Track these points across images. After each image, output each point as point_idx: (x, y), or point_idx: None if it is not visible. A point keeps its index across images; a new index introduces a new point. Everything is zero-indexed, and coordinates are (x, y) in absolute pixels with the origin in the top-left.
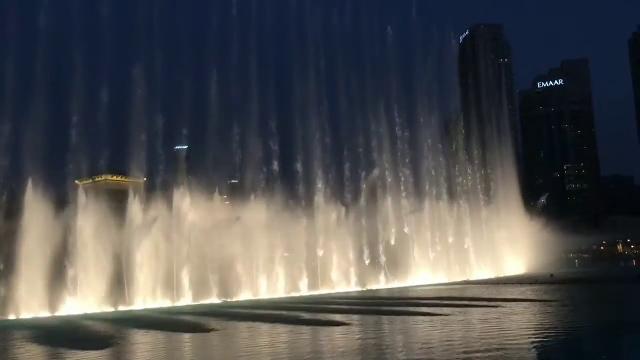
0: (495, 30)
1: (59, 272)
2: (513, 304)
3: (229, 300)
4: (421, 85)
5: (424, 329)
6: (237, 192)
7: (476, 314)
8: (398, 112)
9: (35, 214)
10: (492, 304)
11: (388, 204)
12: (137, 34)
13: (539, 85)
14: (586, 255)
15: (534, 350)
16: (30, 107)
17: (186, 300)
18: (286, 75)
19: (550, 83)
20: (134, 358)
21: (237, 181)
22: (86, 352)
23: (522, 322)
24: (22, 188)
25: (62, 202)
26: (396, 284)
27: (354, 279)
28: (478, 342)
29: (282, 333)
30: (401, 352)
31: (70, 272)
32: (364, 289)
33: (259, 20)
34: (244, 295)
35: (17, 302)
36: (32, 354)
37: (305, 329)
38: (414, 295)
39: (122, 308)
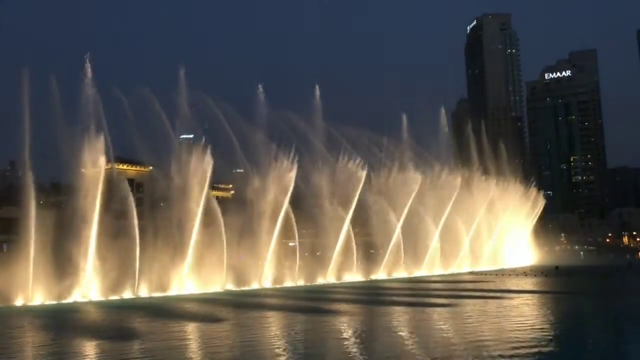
0: (503, 19)
1: (65, 260)
2: (517, 294)
3: (235, 289)
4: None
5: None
6: (243, 182)
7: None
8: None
9: (40, 201)
10: (497, 294)
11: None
12: (142, 28)
13: (546, 76)
14: (592, 247)
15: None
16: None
17: (190, 289)
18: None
19: (558, 74)
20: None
21: (242, 170)
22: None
23: (524, 314)
24: (25, 175)
25: (67, 189)
26: (398, 274)
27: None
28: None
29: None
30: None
31: (76, 260)
32: (367, 279)
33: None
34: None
35: (24, 289)
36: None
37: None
38: (418, 286)
39: (127, 296)
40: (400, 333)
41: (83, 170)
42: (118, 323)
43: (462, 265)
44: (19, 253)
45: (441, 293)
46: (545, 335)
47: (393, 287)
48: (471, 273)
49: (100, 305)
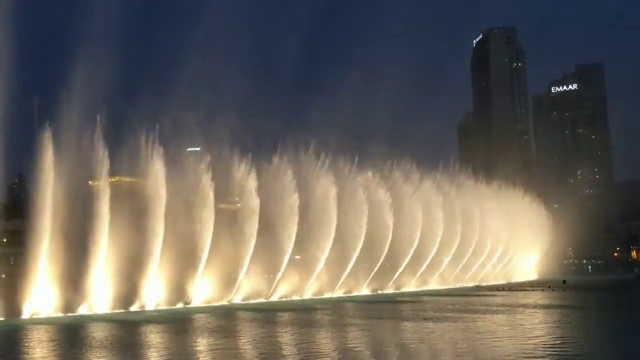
0: (509, 33)
1: (73, 273)
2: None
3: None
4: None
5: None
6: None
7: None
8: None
9: (46, 214)
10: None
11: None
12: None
13: (552, 89)
14: (600, 261)
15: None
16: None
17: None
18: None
19: (564, 87)
20: None
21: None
22: None
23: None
24: (35, 187)
25: (75, 201)
26: (405, 288)
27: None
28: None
29: None
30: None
31: (85, 273)
32: (376, 293)
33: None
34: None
35: (30, 302)
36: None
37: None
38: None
39: (133, 309)
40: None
41: (90, 182)
42: (128, 337)
43: (465, 279)
44: (25, 266)
45: (471, 308)
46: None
47: (414, 300)
48: (478, 287)
49: (106, 318)
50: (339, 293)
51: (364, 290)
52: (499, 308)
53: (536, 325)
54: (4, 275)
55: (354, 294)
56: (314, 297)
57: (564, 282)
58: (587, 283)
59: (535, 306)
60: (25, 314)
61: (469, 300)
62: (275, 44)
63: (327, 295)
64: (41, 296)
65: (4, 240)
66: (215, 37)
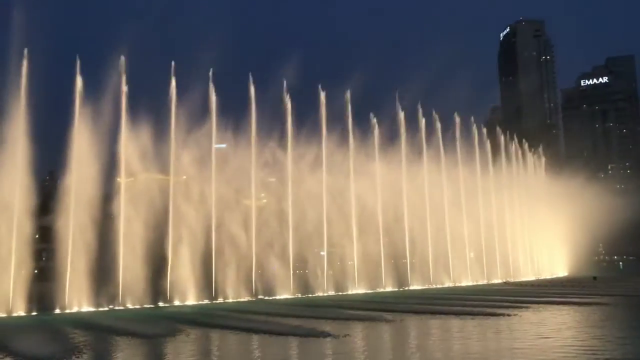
0: (537, 26)
1: (102, 267)
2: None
3: (266, 298)
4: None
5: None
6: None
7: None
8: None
9: (76, 210)
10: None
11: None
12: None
13: (582, 82)
14: (631, 257)
15: None
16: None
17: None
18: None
19: (594, 80)
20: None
21: (273, 179)
22: None
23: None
24: (63, 183)
25: (104, 199)
26: (436, 285)
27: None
28: None
29: None
30: None
31: (113, 268)
32: (401, 289)
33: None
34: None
35: (62, 296)
36: None
37: None
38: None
39: (161, 304)
40: None
41: (118, 179)
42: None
43: (492, 275)
44: (56, 261)
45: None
46: None
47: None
48: (506, 283)
49: (136, 313)
50: (360, 289)
51: (388, 287)
52: (531, 305)
53: (567, 323)
54: (36, 271)
55: (378, 290)
56: (340, 293)
57: (595, 278)
58: (618, 280)
59: (569, 303)
60: (57, 309)
61: (497, 297)
62: None
63: (352, 291)
64: (73, 291)
65: (37, 236)
66: None
